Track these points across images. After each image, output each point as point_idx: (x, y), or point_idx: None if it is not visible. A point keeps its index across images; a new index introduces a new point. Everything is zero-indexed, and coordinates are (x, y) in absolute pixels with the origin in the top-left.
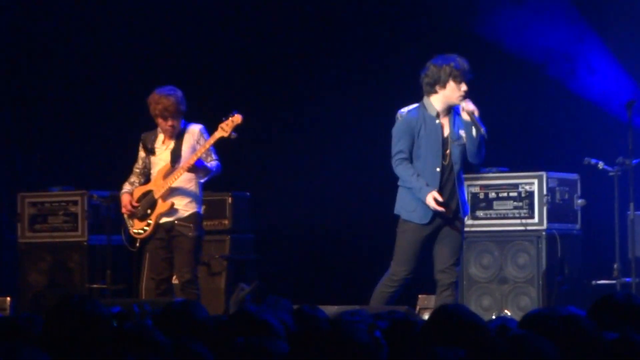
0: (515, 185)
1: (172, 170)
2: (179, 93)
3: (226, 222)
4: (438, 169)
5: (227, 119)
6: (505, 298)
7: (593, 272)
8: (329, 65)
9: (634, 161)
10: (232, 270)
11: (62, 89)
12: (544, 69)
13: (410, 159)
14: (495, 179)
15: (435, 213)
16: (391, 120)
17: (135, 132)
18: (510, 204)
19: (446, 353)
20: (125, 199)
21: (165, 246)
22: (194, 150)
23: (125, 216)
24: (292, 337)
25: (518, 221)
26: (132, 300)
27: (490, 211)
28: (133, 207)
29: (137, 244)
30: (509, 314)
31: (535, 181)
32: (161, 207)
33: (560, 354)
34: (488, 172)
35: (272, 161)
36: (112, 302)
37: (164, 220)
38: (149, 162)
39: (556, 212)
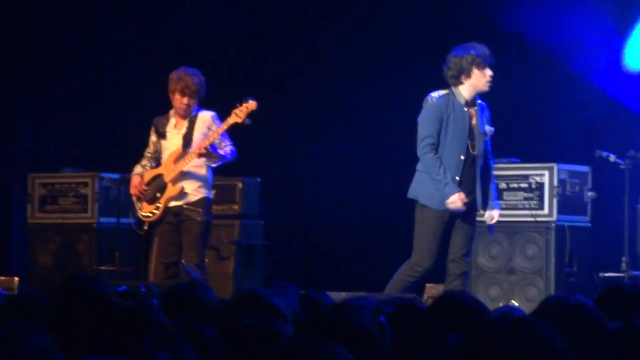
0: (526, 177)
1: (183, 155)
2: (203, 78)
3: (236, 207)
4: (462, 157)
5: (241, 104)
6: (513, 289)
7: (601, 264)
8: (342, 51)
9: None
10: (240, 255)
11: (75, 70)
12: (558, 61)
13: (437, 145)
14: (506, 169)
15: None
16: (404, 108)
17: (146, 116)
18: (521, 194)
19: (449, 338)
20: (135, 179)
21: (174, 230)
22: (205, 136)
23: (134, 198)
24: (297, 321)
25: (528, 212)
26: (139, 282)
27: (500, 202)
28: (143, 189)
29: (146, 227)
30: (516, 304)
31: (546, 173)
32: (171, 190)
33: (565, 341)
34: (498, 163)
35: (284, 147)
36: (119, 283)
37: (173, 204)
38: (160, 146)
39: (566, 204)
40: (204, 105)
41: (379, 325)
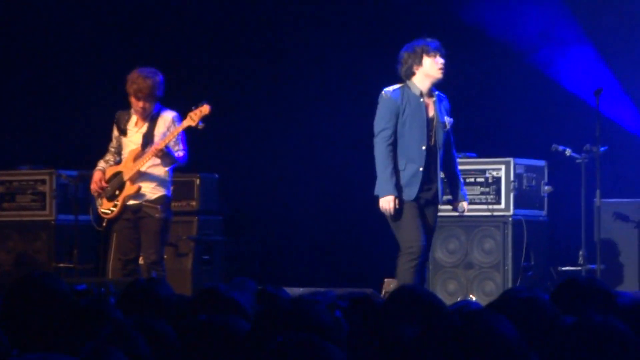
0: (483, 171)
1: (142, 154)
2: (159, 77)
3: (194, 203)
4: (424, 147)
5: (196, 108)
6: (471, 283)
7: (559, 258)
8: (299, 46)
9: (601, 148)
10: (199, 251)
11: (33, 66)
12: (513, 55)
13: (394, 138)
14: (463, 164)
15: (419, 192)
16: (365, 99)
17: (106, 112)
18: (477, 189)
19: (405, 331)
20: (96, 175)
21: (132, 227)
22: (164, 136)
23: (95, 194)
24: (253, 316)
25: (485, 207)
26: (98, 279)
27: None
28: (103, 186)
29: (104, 224)
30: (474, 298)
31: (503, 167)
32: (129, 189)
33: (518, 333)
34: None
35: (241, 143)
36: (78, 280)
37: (131, 202)
38: (121, 143)
39: (523, 198)
40: (164, 103)
41: (335, 319)
